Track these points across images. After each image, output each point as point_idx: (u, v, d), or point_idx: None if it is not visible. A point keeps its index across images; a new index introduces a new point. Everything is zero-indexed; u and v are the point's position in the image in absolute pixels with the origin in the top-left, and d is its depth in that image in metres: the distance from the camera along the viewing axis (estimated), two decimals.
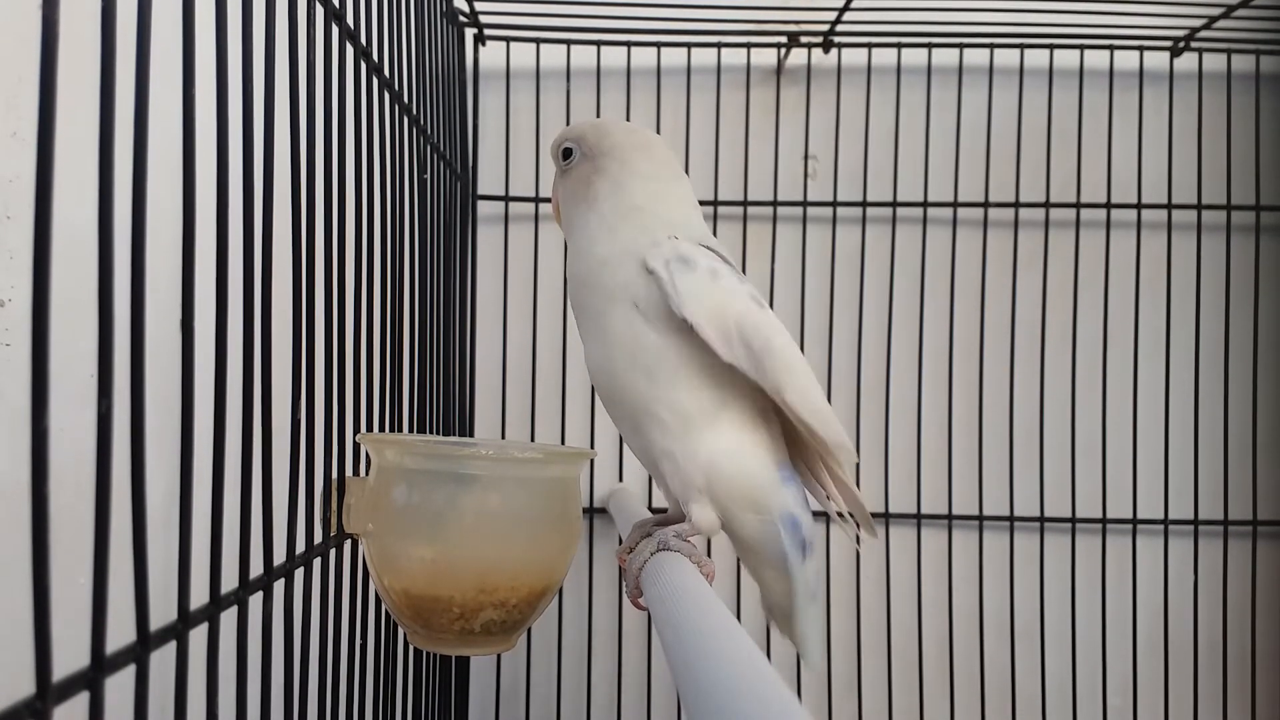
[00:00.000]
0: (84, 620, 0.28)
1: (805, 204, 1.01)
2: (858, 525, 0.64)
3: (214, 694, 0.37)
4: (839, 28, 0.96)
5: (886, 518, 1.00)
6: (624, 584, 0.63)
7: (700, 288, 0.55)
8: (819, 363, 1.00)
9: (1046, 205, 1.00)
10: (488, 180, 1.01)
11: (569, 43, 0.98)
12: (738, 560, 0.97)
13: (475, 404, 0.99)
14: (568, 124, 0.99)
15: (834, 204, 1.01)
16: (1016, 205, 1.00)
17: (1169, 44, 0.99)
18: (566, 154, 0.63)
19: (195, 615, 0.35)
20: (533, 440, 0.99)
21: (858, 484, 0.99)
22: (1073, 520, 0.99)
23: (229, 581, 0.39)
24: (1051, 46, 0.99)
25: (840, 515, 0.63)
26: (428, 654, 0.79)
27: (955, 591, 1.00)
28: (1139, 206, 0.99)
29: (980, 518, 0.99)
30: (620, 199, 0.61)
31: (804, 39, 0.99)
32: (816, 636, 0.62)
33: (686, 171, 1.00)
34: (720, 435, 0.57)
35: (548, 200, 1.00)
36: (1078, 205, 1.00)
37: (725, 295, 0.55)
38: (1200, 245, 1.00)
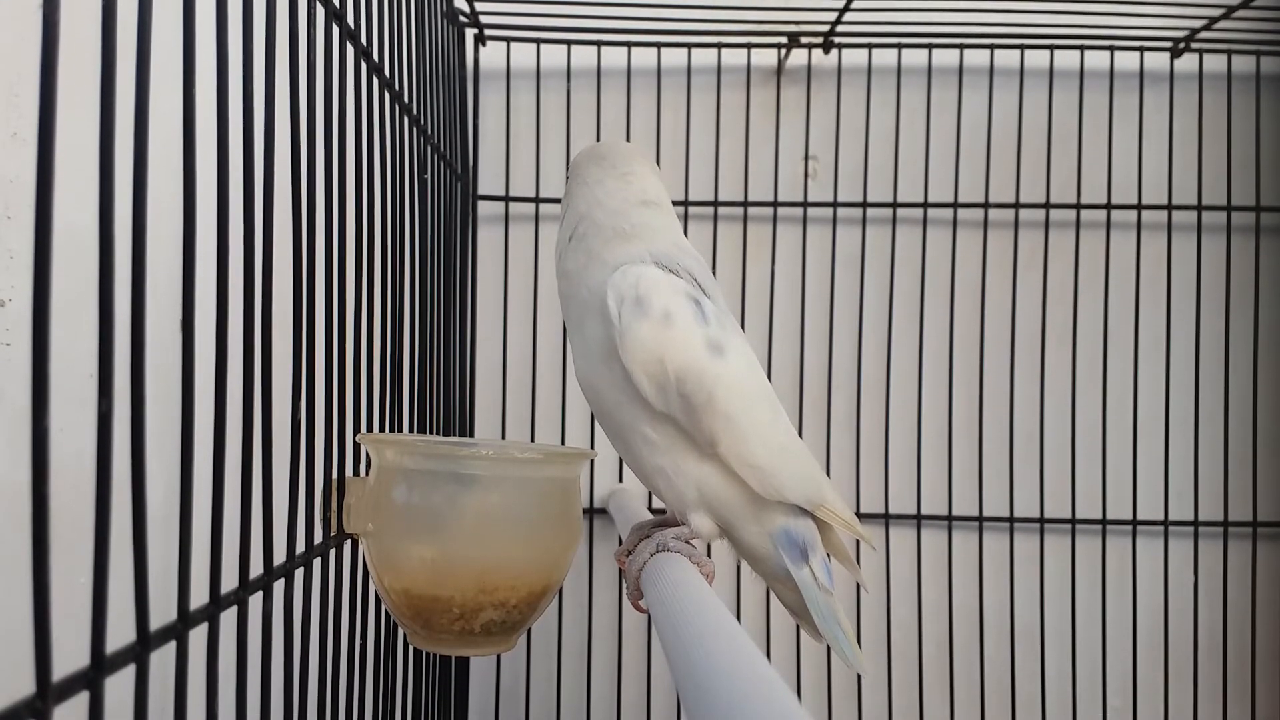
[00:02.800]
0: (84, 620, 0.28)
1: (805, 204, 1.01)
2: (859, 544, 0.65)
3: (214, 694, 0.37)
4: (839, 28, 0.96)
5: (886, 518, 1.00)
6: (624, 585, 0.63)
7: (646, 336, 0.54)
8: (818, 363, 1.00)
9: (1047, 206, 1.00)
10: (488, 180, 1.01)
11: (569, 43, 0.98)
12: (738, 561, 0.97)
13: (475, 404, 0.99)
14: (568, 124, 1.00)
15: (834, 205, 1.01)
16: (1017, 206, 1.00)
17: (1169, 45, 0.99)
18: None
19: (195, 615, 0.35)
20: (533, 440, 0.99)
21: (859, 485, 1.00)
22: (1072, 521, 0.99)
23: (229, 581, 0.39)
24: (1052, 47, 0.99)
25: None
26: (428, 654, 0.79)
27: (955, 592, 1.00)
28: (1139, 207, 0.99)
29: (980, 519, 0.99)
30: (571, 210, 0.62)
31: (804, 39, 0.99)
32: (843, 632, 0.61)
33: (686, 172, 1.01)
34: (706, 454, 0.57)
35: (549, 200, 1.00)
36: (1078, 206, 1.00)
37: (672, 345, 0.54)
38: (1200, 246, 1.00)
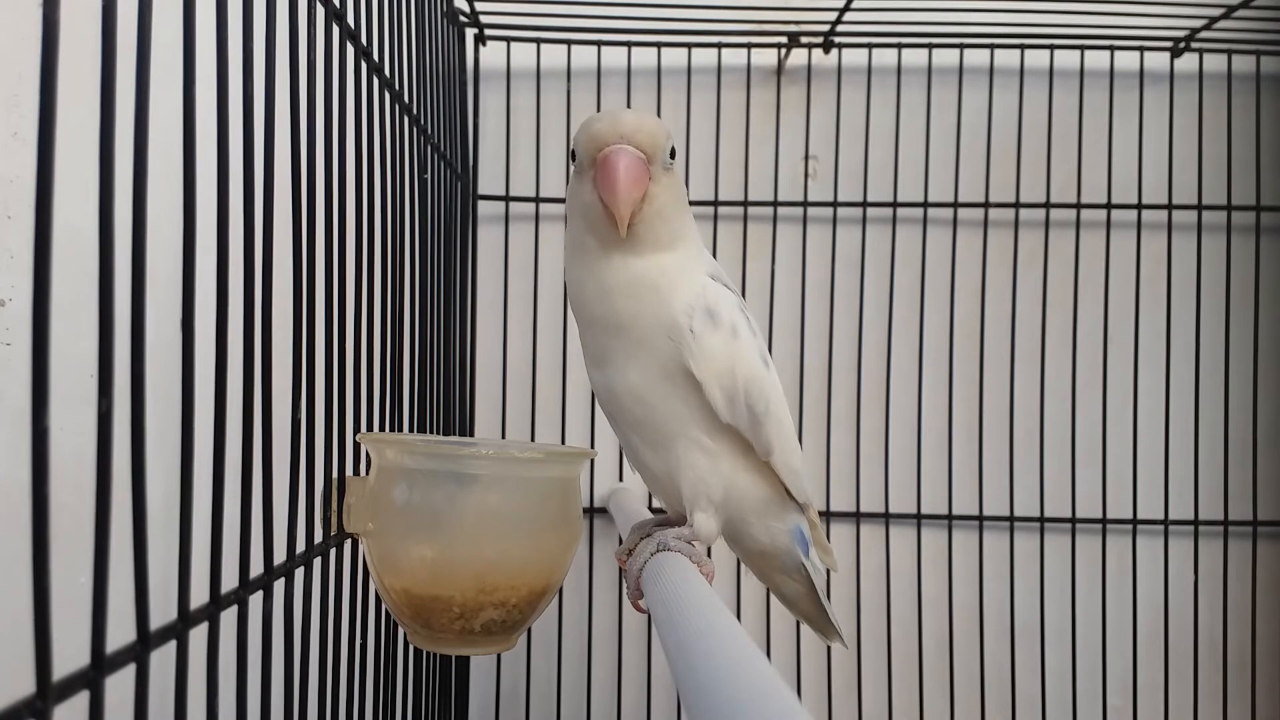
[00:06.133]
0: (84, 619, 0.28)
1: (805, 204, 1.01)
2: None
3: (214, 693, 0.37)
4: (839, 28, 0.96)
5: (886, 518, 1.00)
6: (624, 585, 0.63)
7: (718, 348, 0.55)
8: (819, 363, 1.00)
9: (1047, 205, 1.00)
10: (488, 180, 1.01)
11: (569, 43, 0.98)
12: (738, 561, 0.97)
13: (475, 404, 0.99)
14: (568, 124, 0.99)
15: (834, 204, 1.01)
16: (1017, 205, 1.00)
17: (1169, 44, 0.99)
18: (674, 152, 0.56)
19: (195, 614, 0.35)
20: (533, 440, 0.99)
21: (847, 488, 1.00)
22: (1073, 520, 0.99)
23: (229, 581, 0.39)
24: (1052, 47, 0.99)
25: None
26: (428, 654, 0.79)
27: (955, 591, 1.00)
28: (1139, 207, 0.99)
29: (980, 518, 0.99)
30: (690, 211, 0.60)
31: (804, 39, 0.99)
32: (833, 613, 0.67)
33: (686, 172, 1.01)
34: (747, 455, 0.59)
35: (549, 200, 1.00)
36: (1078, 205, 1.00)
37: (738, 357, 0.56)
38: (1200, 245, 1.00)
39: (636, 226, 0.53)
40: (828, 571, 0.74)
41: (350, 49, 0.54)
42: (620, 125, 0.52)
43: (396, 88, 0.65)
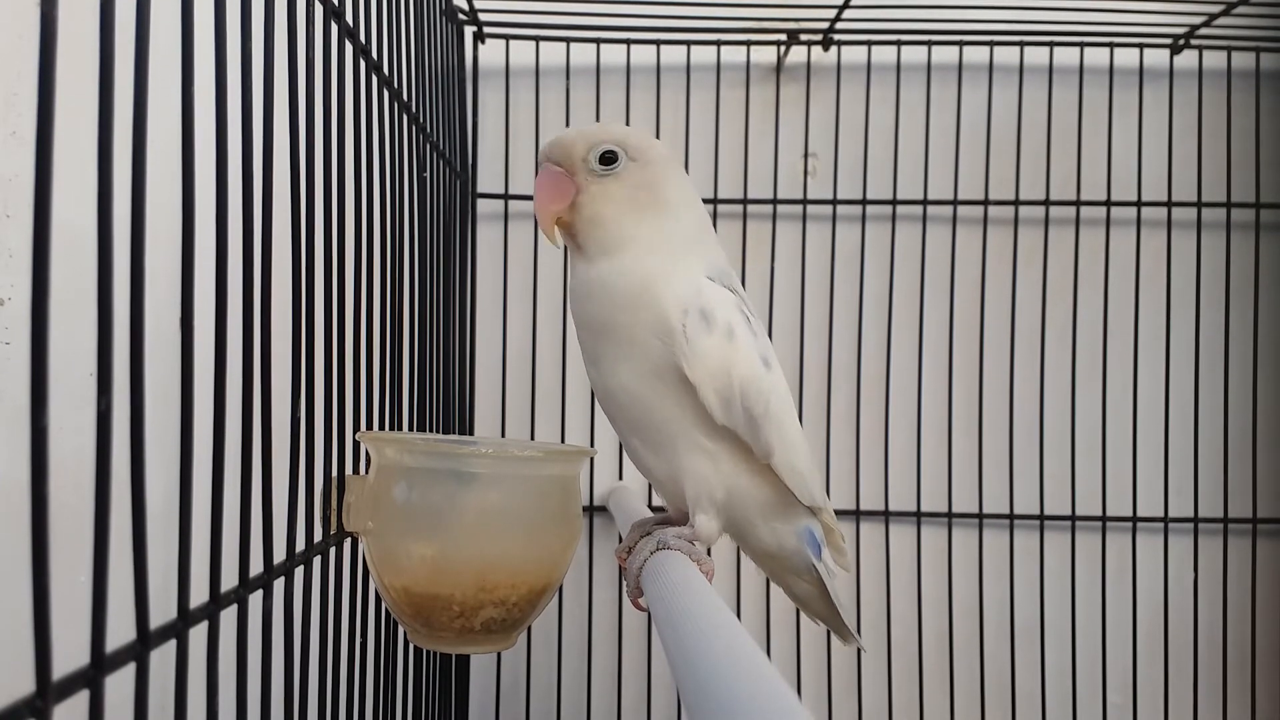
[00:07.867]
0: (84, 618, 0.28)
1: (805, 202, 1.01)
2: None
3: (214, 692, 0.37)
4: (839, 25, 0.96)
5: (886, 516, 1.00)
6: (624, 583, 0.63)
7: (712, 350, 0.55)
8: (819, 361, 1.00)
9: (1046, 203, 1.00)
10: (487, 178, 1.01)
11: (568, 40, 0.98)
12: (738, 560, 0.98)
13: (475, 403, 0.99)
14: (567, 122, 0.99)
15: (834, 202, 1.01)
16: (1016, 203, 1.00)
17: (1169, 41, 0.99)
18: (609, 159, 0.57)
19: (195, 613, 0.35)
20: (533, 438, 0.99)
21: (862, 490, 1.00)
22: (1072, 518, 0.99)
23: (229, 580, 0.39)
24: (1051, 44, 0.99)
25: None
26: (428, 653, 0.79)
27: (955, 589, 1.00)
28: (1139, 204, 0.99)
29: (980, 516, 0.99)
30: (690, 213, 0.60)
31: (803, 37, 0.99)
32: (849, 613, 0.66)
33: (686, 170, 1.01)
34: (748, 457, 0.58)
35: None
36: (1078, 203, 1.00)
37: (735, 358, 0.55)
38: (1200, 243, 1.00)
39: (576, 235, 0.57)
40: None
41: (349, 47, 0.53)
42: (546, 145, 0.58)
43: (395, 86, 0.65)
